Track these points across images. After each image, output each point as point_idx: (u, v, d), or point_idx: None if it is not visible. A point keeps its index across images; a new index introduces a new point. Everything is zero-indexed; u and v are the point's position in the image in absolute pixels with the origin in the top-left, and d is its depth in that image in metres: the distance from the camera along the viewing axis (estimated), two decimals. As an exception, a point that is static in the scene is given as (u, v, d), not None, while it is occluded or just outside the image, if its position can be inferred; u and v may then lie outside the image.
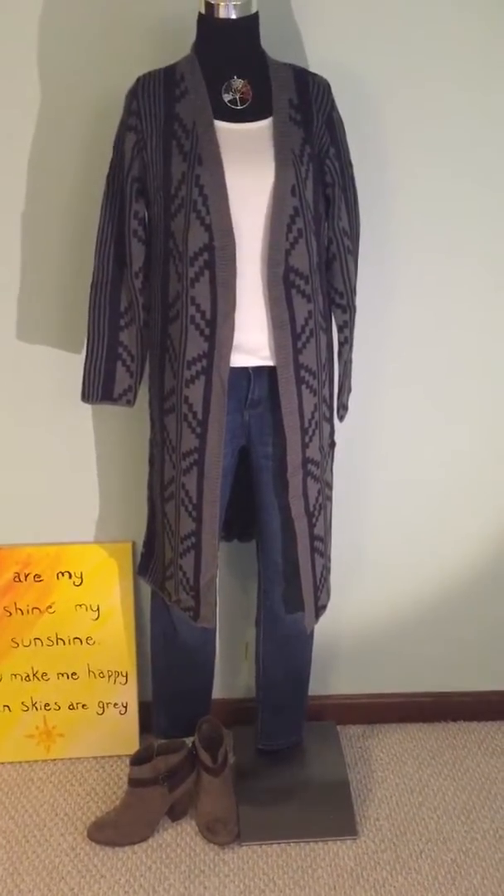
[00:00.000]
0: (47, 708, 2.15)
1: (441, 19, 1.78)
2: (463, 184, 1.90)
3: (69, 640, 2.12)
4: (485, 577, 2.22)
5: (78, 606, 2.11)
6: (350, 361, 1.83)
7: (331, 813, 1.99)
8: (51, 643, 2.12)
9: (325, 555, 1.87)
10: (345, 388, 1.85)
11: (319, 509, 1.81)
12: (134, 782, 1.94)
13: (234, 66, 1.63)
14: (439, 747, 2.23)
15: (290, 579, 1.88)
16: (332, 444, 1.87)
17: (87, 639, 2.13)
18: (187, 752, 1.99)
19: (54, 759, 2.17)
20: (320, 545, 1.83)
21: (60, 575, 2.10)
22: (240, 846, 1.92)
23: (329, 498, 1.88)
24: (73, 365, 1.94)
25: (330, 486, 1.88)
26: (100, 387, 1.77)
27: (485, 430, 2.10)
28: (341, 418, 1.88)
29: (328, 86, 1.69)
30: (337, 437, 1.90)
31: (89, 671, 2.14)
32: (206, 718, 2.02)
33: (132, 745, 2.15)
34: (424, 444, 2.10)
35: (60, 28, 1.76)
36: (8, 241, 1.89)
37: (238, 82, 1.63)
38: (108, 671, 2.14)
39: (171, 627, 1.96)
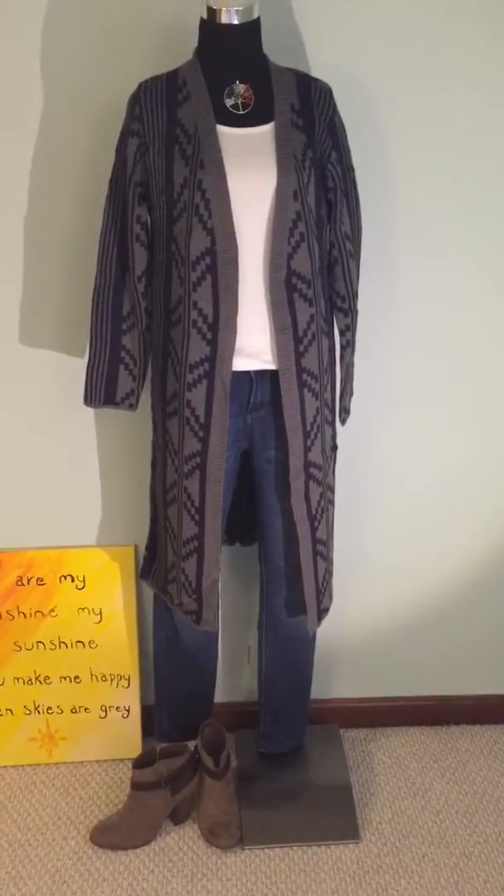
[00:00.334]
0: (50, 712, 2.15)
1: (442, 24, 1.79)
2: (464, 187, 1.90)
3: (71, 644, 2.13)
4: (487, 580, 2.22)
5: (80, 610, 2.12)
6: (352, 365, 1.83)
7: (333, 817, 1.99)
8: (53, 647, 2.12)
9: (328, 558, 1.87)
10: (347, 391, 1.85)
11: (321, 513, 1.81)
12: (136, 786, 1.94)
13: (236, 71, 1.63)
14: (442, 751, 2.23)
15: (293, 583, 1.88)
16: (334, 448, 1.88)
17: (89, 642, 2.13)
18: (190, 755, 1.99)
19: (57, 763, 2.17)
20: (322, 548, 1.83)
21: (63, 578, 2.10)
22: (242, 850, 1.92)
23: (331, 501, 1.88)
24: (75, 369, 1.95)
25: (332, 489, 1.88)
26: (102, 390, 1.78)
27: (487, 433, 2.11)
28: (343, 422, 1.88)
29: (330, 90, 1.69)
30: (339, 441, 1.90)
31: (92, 675, 2.14)
32: (208, 722, 2.02)
33: (135, 748, 2.15)
34: (426, 447, 2.10)
35: (63, 34, 1.76)
36: (11, 245, 1.90)
37: (240, 87, 1.64)
38: (110, 675, 2.14)
39: (174, 631, 1.96)
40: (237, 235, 1.60)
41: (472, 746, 2.25)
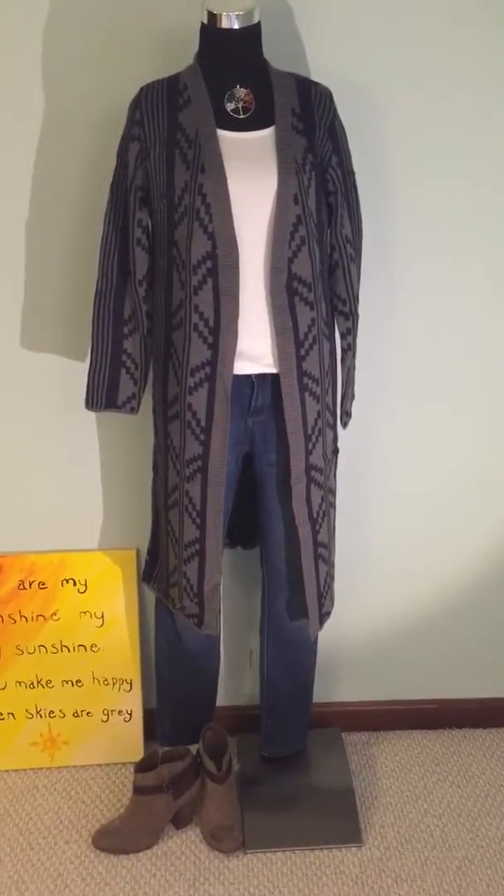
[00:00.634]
0: (52, 715, 2.15)
1: (443, 28, 1.79)
2: (465, 190, 1.90)
3: (73, 648, 2.13)
4: (489, 584, 2.22)
5: (82, 614, 2.12)
6: (353, 368, 1.83)
7: (335, 820, 1.99)
8: (55, 650, 2.12)
9: (329, 561, 1.87)
10: (348, 395, 1.86)
11: (323, 516, 1.81)
12: (138, 790, 1.94)
13: (236, 76, 1.64)
14: (444, 754, 2.23)
15: (294, 586, 1.88)
16: (336, 451, 1.88)
17: (91, 646, 2.13)
18: (192, 759, 1.99)
19: (59, 767, 2.17)
20: (324, 552, 1.83)
21: (65, 582, 2.11)
22: (244, 854, 1.92)
23: (332, 505, 1.88)
24: (76, 373, 1.95)
25: (333, 492, 1.88)
26: (104, 394, 1.78)
27: (488, 436, 2.11)
28: (345, 425, 1.88)
29: (330, 94, 1.70)
30: (340, 444, 1.90)
31: (93, 678, 2.14)
32: (210, 726, 2.02)
33: (136, 752, 2.15)
34: (428, 450, 2.10)
35: (64, 39, 1.77)
36: (12, 250, 1.90)
37: (240, 91, 1.64)
38: (112, 678, 2.15)
39: (175, 635, 1.96)
40: (238, 239, 1.60)
41: (475, 750, 2.25)
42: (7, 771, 2.16)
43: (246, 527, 1.98)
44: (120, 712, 2.16)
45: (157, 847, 1.94)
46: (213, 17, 1.61)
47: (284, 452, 1.74)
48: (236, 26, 1.61)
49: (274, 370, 1.69)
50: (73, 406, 1.95)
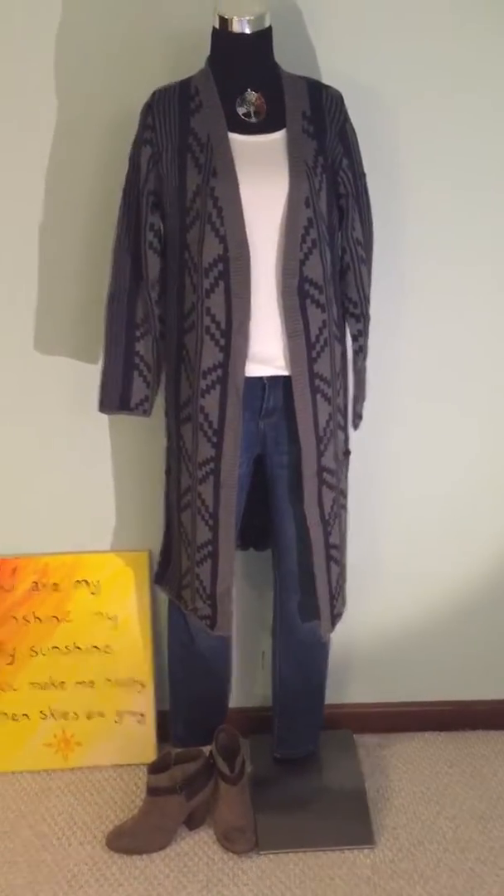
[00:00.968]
0: (65, 717, 2.16)
1: (452, 29, 1.80)
2: (475, 192, 1.91)
3: (86, 649, 2.14)
4: (501, 584, 2.22)
5: (95, 615, 2.13)
6: (364, 370, 1.84)
7: (348, 822, 1.99)
8: (68, 652, 2.13)
9: (341, 563, 1.87)
10: (359, 397, 1.86)
11: (334, 517, 1.82)
12: (152, 791, 1.95)
13: (247, 80, 1.65)
14: (456, 756, 2.23)
15: (306, 588, 1.88)
16: (347, 453, 1.88)
17: (104, 647, 2.14)
18: (204, 760, 1.99)
19: (72, 768, 2.18)
20: (336, 553, 1.84)
21: (78, 584, 2.12)
22: (257, 855, 1.92)
23: (344, 506, 1.89)
24: (89, 375, 1.96)
25: (345, 494, 1.89)
26: (116, 397, 1.79)
27: (499, 438, 2.10)
28: (356, 427, 1.89)
29: (341, 98, 1.70)
30: (351, 446, 1.91)
31: (107, 680, 2.15)
32: (222, 727, 2.03)
33: (150, 753, 2.16)
34: (439, 452, 2.10)
35: (76, 44, 1.78)
36: (25, 253, 1.92)
37: (252, 95, 1.65)
38: (125, 680, 2.15)
39: (188, 636, 1.97)
40: (249, 242, 1.61)
41: (487, 752, 2.24)
42: (21, 772, 2.17)
43: (258, 528, 1.98)
44: (133, 713, 2.17)
45: (171, 848, 1.94)
46: (224, 21, 1.62)
47: (296, 454, 1.75)
48: (248, 31, 1.62)
49: (286, 372, 1.70)
50: (86, 409, 1.96)
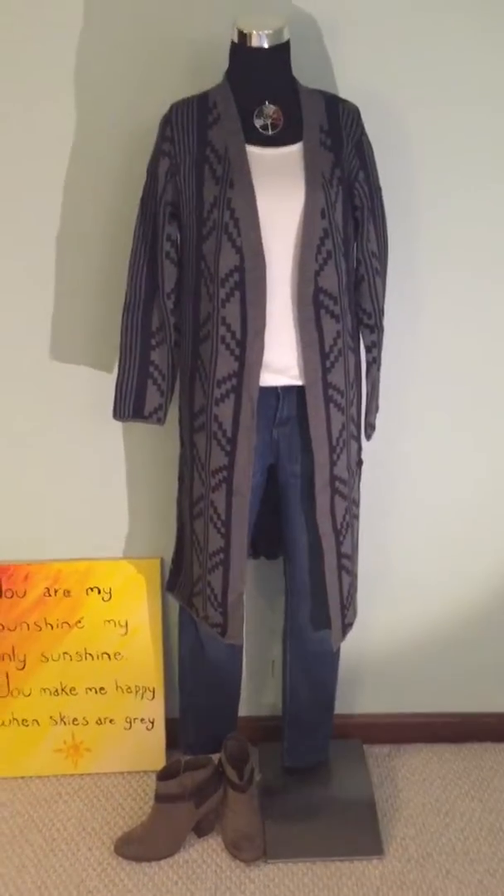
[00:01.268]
0: (75, 723, 2.17)
1: (471, 45, 1.81)
2: (490, 204, 1.92)
3: (97, 655, 2.15)
4: (512, 597, 2.22)
5: (106, 622, 2.14)
6: (378, 381, 1.85)
7: (356, 832, 1.99)
8: (79, 658, 2.14)
9: (352, 573, 1.88)
10: (372, 407, 1.87)
11: (347, 527, 1.82)
12: (161, 798, 1.95)
13: (265, 93, 1.67)
14: (466, 768, 2.22)
15: (317, 597, 1.89)
16: (360, 463, 1.89)
17: (115, 654, 2.15)
18: (214, 768, 2.00)
19: (82, 774, 2.18)
20: (347, 563, 1.84)
21: (89, 590, 2.13)
22: (265, 863, 1.92)
23: (356, 516, 1.89)
24: (104, 383, 1.98)
25: (357, 504, 1.89)
26: (131, 405, 1.80)
27: (512, 449, 2.11)
28: (369, 437, 1.90)
29: (358, 111, 1.72)
30: (364, 456, 1.92)
31: (117, 686, 2.16)
32: (232, 735, 2.03)
33: (159, 760, 2.16)
34: (451, 463, 2.11)
35: (96, 57, 1.81)
36: (44, 263, 1.94)
37: (269, 108, 1.67)
38: (135, 686, 2.16)
39: (199, 644, 1.98)
40: (265, 253, 1.63)
41: (497, 764, 2.24)
42: (31, 777, 2.17)
43: (270, 537, 1.99)
44: (143, 720, 2.17)
45: (179, 855, 1.95)
46: (243, 36, 1.64)
47: (309, 464, 1.76)
48: (266, 45, 1.64)
49: (300, 382, 1.71)
50: (101, 416, 1.98)
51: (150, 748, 2.18)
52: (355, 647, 2.16)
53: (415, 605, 2.22)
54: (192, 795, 1.95)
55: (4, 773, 2.17)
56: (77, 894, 1.86)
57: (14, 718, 2.16)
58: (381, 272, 1.79)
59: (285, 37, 1.65)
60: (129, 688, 2.16)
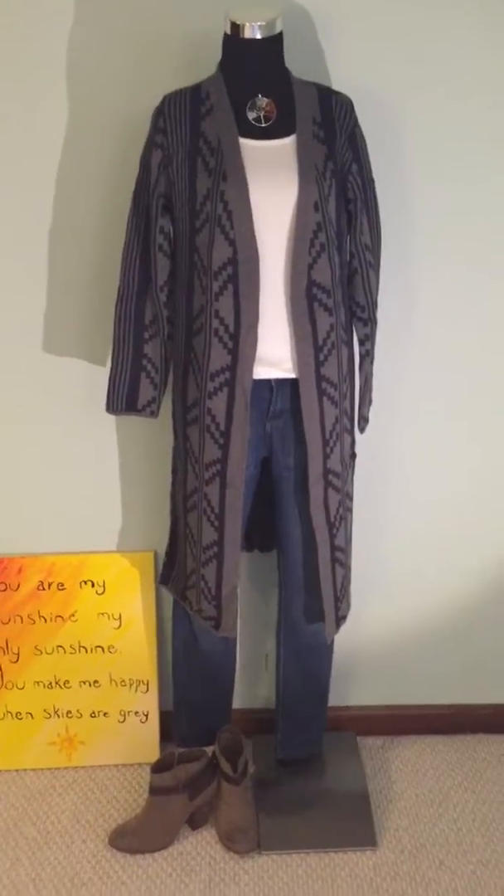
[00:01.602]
0: (69, 716, 2.17)
1: (463, 38, 1.81)
2: (483, 197, 1.92)
3: (91, 649, 2.15)
4: (505, 589, 2.23)
5: (100, 615, 2.14)
6: (371, 374, 1.85)
7: (350, 823, 2.00)
8: (73, 651, 2.14)
9: (346, 565, 1.88)
10: (366, 400, 1.87)
11: (340, 520, 1.83)
12: (155, 790, 1.96)
13: (258, 85, 1.66)
14: (459, 759, 2.23)
15: (311, 590, 1.89)
16: (353, 456, 1.89)
17: (108, 647, 2.15)
18: (208, 761, 2.00)
19: (76, 767, 2.18)
20: (341, 556, 1.85)
21: (83, 584, 2.13)
22: (259, 855, 1.93)
23: (350, 509, 1.90)
24: (97, 377, 1.97)
25: (351, 497, 1.90)
26: (124, 398, 1.80)
27: (505, 442, 2.12)
28: (362, 430, 1.90)
29: (351, 104, 1.71)
30: (358, 449, 1.92)
31: (111, 679, 2.16)
32: (226, 728, 2.04)
33: (153, 753, 2.17)
34: (445, 456, 2.11)
35: (89, 48, 1.80)
36: (36, 255, 1.93)
37: (262, 100, 1.66)
38: (129, 679, 2.16)
39: (192, 637, 1.98)
40: (259, 246, 1.63)
41: (490, 755, 2.25)
42: (25, 770, 2.17)
43: (263, 530, 1.99)
44: (136, 713, 2.18)
45: (173, 847, 1.95)
46: (236, 27, 1.63)
47: (302, 457, 1.76)
48: (259, 36, 1.63)
49: (293, 375, 1.71)
50: (94, 409, 1.98)
51: (144, 741, 2.18)
52: (349, 640, 2.17)
53: (408, 597, 2.22)
54: (185, 788, 1.95)
55: (-2, 767, 2.18)
56: (71, 886, 1.86)
57: (8, 711, 2.16)
58: (375, 265, 1.79)
59: (278, 28, 1.65)
60: (123, 681, 2.16)
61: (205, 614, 1.85)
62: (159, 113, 1.67)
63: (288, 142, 1.66)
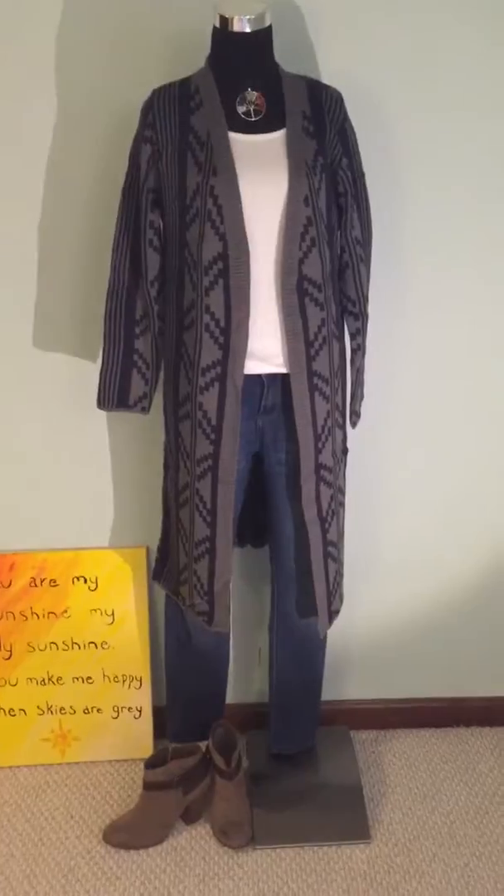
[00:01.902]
0: (63, 712, 2.17)
1: (454, 33, 1.80)
2: (474, 192, 1.92)
3: (84, 645, 2.15)
4: (497, 582, 2.23)
5: (93, 611, 2.14)
6: (362, 369, 1.85)
7: (344, 817, 2.00)
8: (66, 647, 2.14)
9: (338, 560, 1.88)
10: (357, 395, 1.87)
11: (332, 515, 1.83)
12: (149, 786, 1.96)
13: (247, 79, 1.65)
14: (452, 752, 2.24)
15: (304, 584, 1.89)
16: (345, 451, 1.89)
17: (101, 643, 2.15)
18: (201, 756, 2.00)
19: (69, 763, 2.19)
20: (333, 550, 1.85)
21: (76, 580, 2.12)
22: (254, 850, 1.94)
23: (342, 504, 1.90)
24: (88, 373, 1.97)
25: (343, 491, 1.90)
26: (115, 394, 1.80)
27: (498, 437, 2.11)
28: (354, 425, 1.90)
29: (341, 97, 1.71)
30: (349, 444, 1.92)
31: (104, 675, 2.16)
32: (219, 723, 2.04)
33: (147, 749, 2.17)
34: (437, 450, 2.11)
35: (76, 42, 1.79)
36: (25, 250, 1.92)
37: (252, 94, 1.66)
38: (122, 675, 2.16)
39: (185, 632, 1.98)
40: (249, 240, 1.62)
41: (483, 748, 2.26)
42: (19, 767, 2.18)
43: (255, 525, 1.99)
44: (130, 709, 2.18)
45: (167, 842, 1.96)
46: (224, 20, 1.62)
47: (294, 452, 1.76)
48: (248, 30, 1.62)
49: (284, 370, 1.71)
50: (85, 405, 1.97)
51: (138, 737, 2.19)
52: (342, 634, 2.17)
53: (401, 591, 2.23)
54: (179, 783, 1.96)
55: (-8, 763, 2.18)
56: (65, 882, 1.86)
57: (1, 708, 2.16)
58: (366, 259, 1.79)
59: (267, 21, 1.64)
60: (116, 677, 2.16)
61: (197, 609, 1.85)
62: (148, 108, 1.66)
63: (278, 136, 1.66)
